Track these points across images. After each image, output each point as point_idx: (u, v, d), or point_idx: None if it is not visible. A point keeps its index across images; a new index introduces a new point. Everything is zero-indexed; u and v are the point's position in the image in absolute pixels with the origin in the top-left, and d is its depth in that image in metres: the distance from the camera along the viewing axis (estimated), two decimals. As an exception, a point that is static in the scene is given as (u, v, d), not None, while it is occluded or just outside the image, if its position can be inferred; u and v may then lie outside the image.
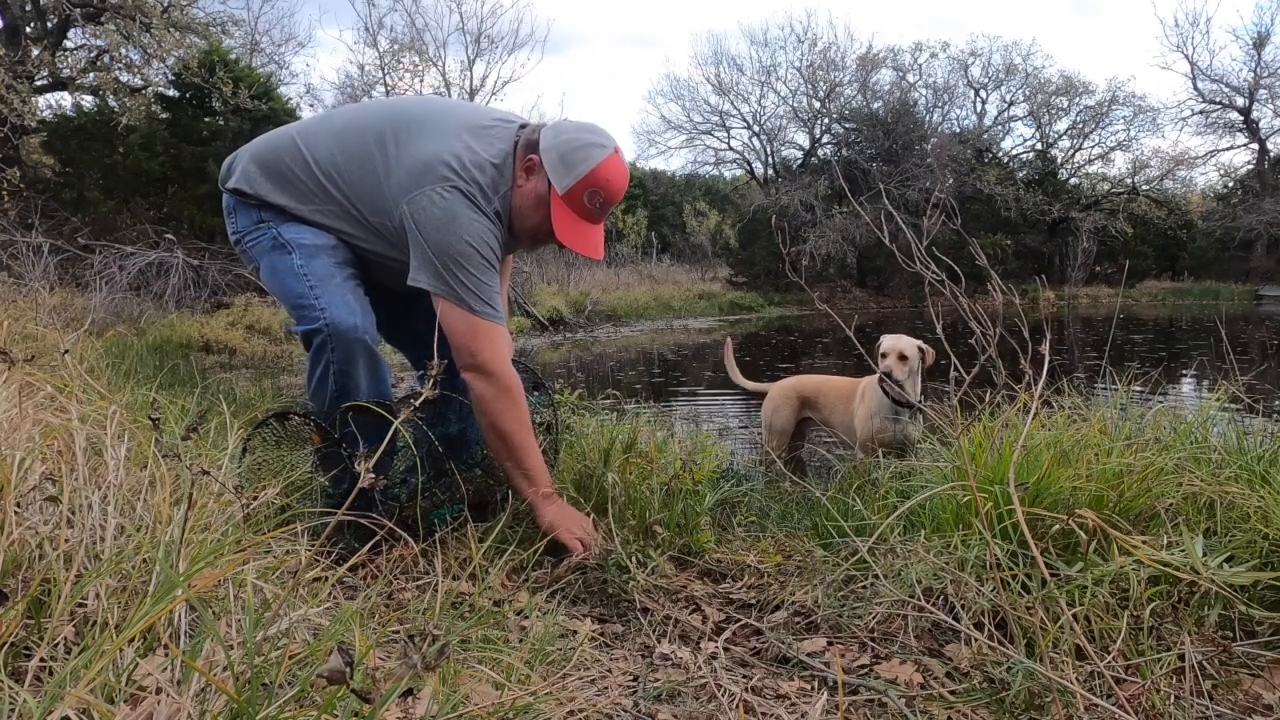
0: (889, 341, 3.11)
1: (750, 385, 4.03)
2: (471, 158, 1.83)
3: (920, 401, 3.11)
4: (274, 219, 1.93)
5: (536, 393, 2.23)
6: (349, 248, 1.96)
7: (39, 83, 11.43)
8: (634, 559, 1.78)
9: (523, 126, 1.94)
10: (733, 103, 23.20)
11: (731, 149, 23.78)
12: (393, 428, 1.27)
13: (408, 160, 1.83)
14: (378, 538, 1.52)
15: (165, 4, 11.20)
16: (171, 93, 12.00)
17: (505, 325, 1.89)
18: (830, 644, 1.53)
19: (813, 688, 1.39)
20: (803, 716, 1.29)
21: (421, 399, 1.27)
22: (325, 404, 1.89)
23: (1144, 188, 22.52)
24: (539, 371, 2.32)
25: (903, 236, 1.85)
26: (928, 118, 22.41)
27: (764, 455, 3.59)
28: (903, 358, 3.06)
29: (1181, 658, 1.28)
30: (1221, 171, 24.36)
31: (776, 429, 3.71)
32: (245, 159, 1.96)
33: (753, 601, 1.74)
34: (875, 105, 21.62)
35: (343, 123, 1.96)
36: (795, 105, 22.69)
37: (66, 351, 1.97)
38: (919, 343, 3.14)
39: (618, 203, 1.92)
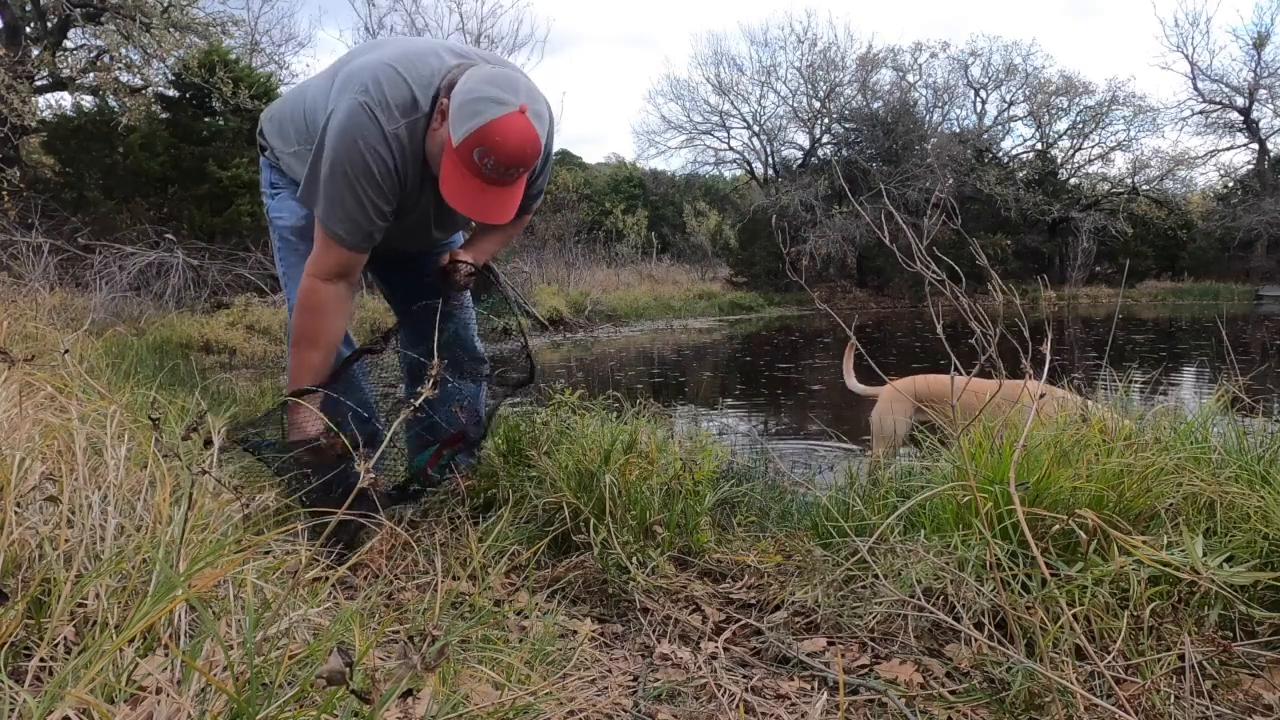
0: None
1: (862, 389, 3.54)
2: (388, 76, 1.80)
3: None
4: (278, 181, 2.11)
5: (486, 296, 2.23)
6: None
7: (39, 83, 11.42)
8: (634, 559, 1.78)
9: (461, 66, 1.84)
10: (733, 103, 23.19)
11: (731, 149, 23.77)
12: (388, 437, 1.27)
13: (346, 71, 1.86)
14: (378, 538, 1.52)
15: (165, 4, 11.19)
16: (171, 93, 11.98)
17: (343, 245, 1.85)
18: (830, 644, 1.53)
19: (813, 688, 1.39)
20: (803, 716, 1.29)
21: (421, 399, 1.27)
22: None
23: (1144, 188, 22.48)
24: (504, 278, 2.22)
25: (903, 236, 1.85)
26: (928, 118, 22.40)
27: (871, 463, 2.96)
28: None
29: (1181, 658, 1.28)
30: (1221, 171, 24.36)
31: (887, 435, 3.19)
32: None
33: (753, 601, 1.74)
34: (875, 105, 21.60)
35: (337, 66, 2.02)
36: (795, 105, 22.68)
37: (66, 351, 1.98)
38: None
39: (515, 166, 1.76)
